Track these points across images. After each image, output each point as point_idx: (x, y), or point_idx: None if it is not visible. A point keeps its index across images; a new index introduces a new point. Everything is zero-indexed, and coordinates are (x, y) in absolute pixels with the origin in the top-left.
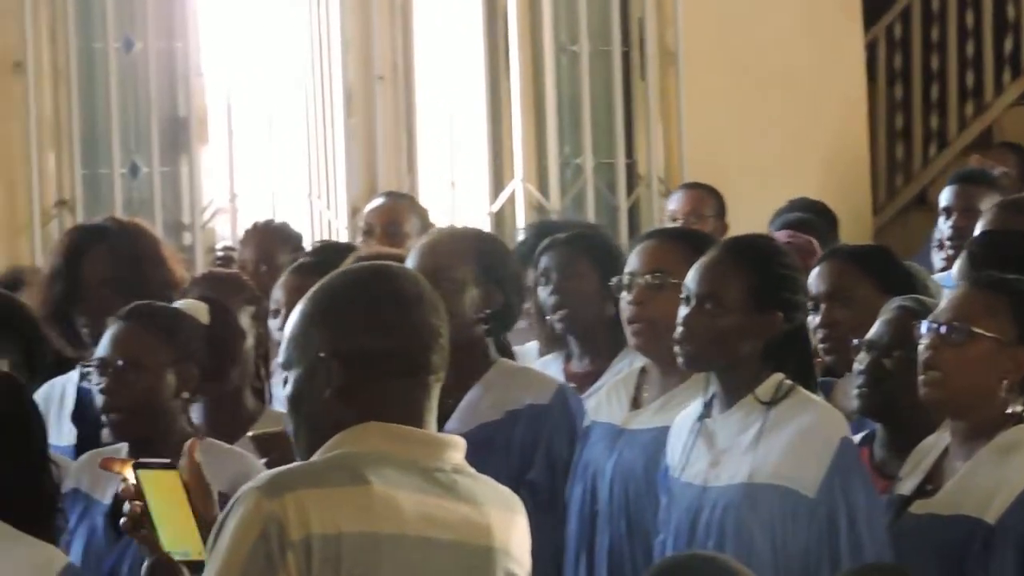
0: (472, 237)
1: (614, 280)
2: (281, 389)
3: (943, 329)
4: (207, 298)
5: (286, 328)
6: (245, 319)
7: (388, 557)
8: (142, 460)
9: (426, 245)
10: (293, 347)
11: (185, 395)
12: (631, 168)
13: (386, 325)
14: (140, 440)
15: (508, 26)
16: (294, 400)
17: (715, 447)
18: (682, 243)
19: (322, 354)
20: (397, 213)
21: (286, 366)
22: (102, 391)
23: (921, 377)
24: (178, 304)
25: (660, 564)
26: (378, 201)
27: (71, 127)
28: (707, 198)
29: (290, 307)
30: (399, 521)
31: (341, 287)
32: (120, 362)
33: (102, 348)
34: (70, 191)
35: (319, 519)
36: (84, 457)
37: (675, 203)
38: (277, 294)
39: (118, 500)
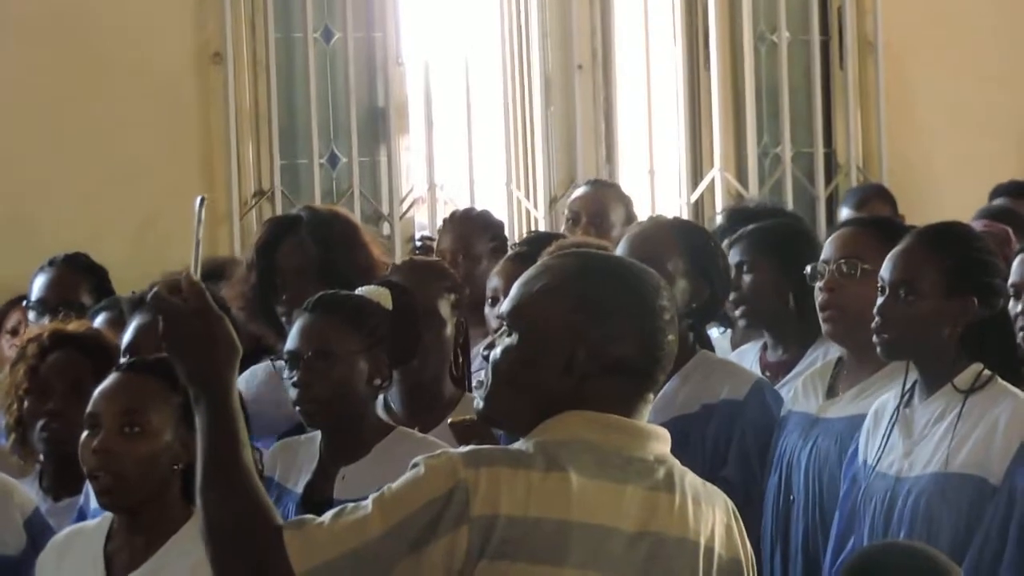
0: (683, 229)
1: (808, 268)
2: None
3: None
4: (390, 283)
5: (519, 288)
6: (445, 307)
7: (577, 545)
8: None
9: (637, 235)
10: (531, 316)
11: (377, 381)
12: (829, 157)
13: (644, 341)
14: (335, 428)
15: (707, 15)
16: (513, 368)
17: (911, 436)
18: (876, 231)
19: (574, 343)
20: (603, 202)
21: (512, 327)
22: (295, 384)
23: None
24: (361, 290)
25: (860, 554)
26: (583, 189)
27: (270, 118)
28: (880, 210)
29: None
30: (592, 510)
31: (609, 285)
32: (310, 353)
33: (291, 341)
34: (269, 181)
35: (510, 500)
36: (276, 446)
37: (846, 210)
38: (494, 282)
39: (308, 489)
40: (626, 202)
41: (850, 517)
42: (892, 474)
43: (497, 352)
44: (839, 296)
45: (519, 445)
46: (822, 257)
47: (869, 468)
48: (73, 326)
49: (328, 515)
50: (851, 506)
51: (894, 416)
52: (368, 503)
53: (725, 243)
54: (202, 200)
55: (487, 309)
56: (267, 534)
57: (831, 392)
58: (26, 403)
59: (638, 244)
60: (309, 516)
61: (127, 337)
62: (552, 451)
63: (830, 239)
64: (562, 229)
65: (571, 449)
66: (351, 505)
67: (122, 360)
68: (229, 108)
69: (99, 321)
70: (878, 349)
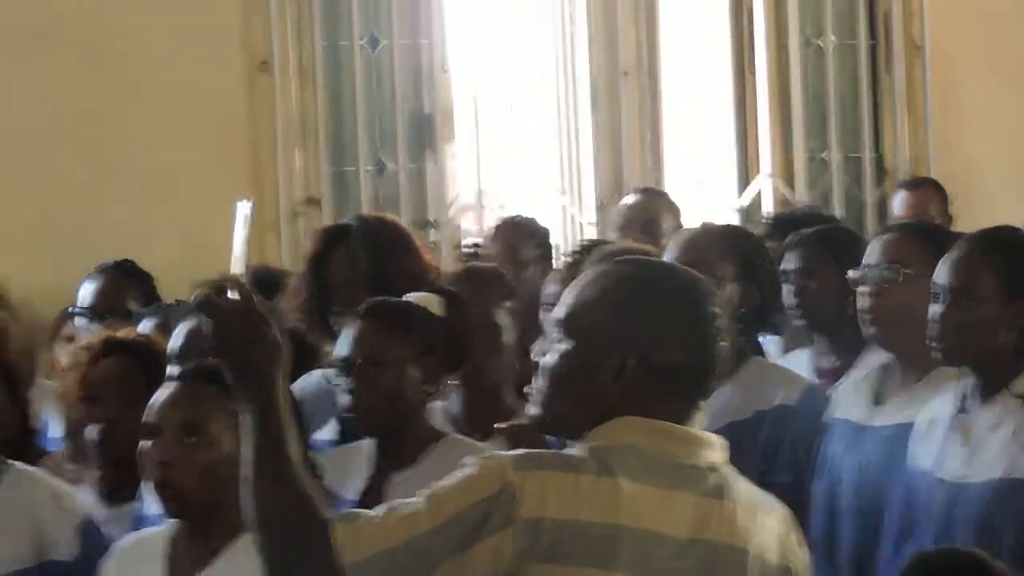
0: (733, 234)
1: (851, 273)
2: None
3: None
4: (440, 289)
5: (571, 295)
6: (503, 315)
7: (626, 549)
8: None
9: (687, 240)
10: (584, 323)
11: (428, 388)
12: (878, 162)
13: (695, 347)
14: (386, 435)
15: (754, 20)
16: (567, 374)
17: (969, 442)
18: (920, 237)
19: (625, 349)
20: (655, 210)
21: (565, 334)
22: (347, 391)
23: None
24: (410, 297)
25: (915, 560)
26: (635, 197)
27: (317, 125)
28: (932, 197)
29: None
30: (641, 515)
31: (660, 291)
32: (360, 360)
33: (343, 348)
34: (317, 189)
35: (558, 503)
36: (331, 453)
37: (899, 208)
38: (551, 287)
39: (361, 496)
40: (676, 212)
41: (904, 524)
42: (951, 480)
43: (550, 358)
44: (882, 301)
45: (571, 450)
46: (865, 261)
47: (926, 475)
48: (124, 333)
49: (379, 509)
50: (905, 513)
51: (950, 422)
52: (418, 500)
53: (784, 245)
54: (248, 202)
55: (542, 315)
56: (316, 525)
57: (877, 399)
58: (79, 410)
59: (687, 248)
60: (361, 510)
61: (177, 342)
62: (603, 456)
63: (873, 243)
64: (611, 236)
65: (622, 454)
66: (401, 501)
67: (170, 366)
68: (276, 116)
69: (144, 327)
70: (936, 356)
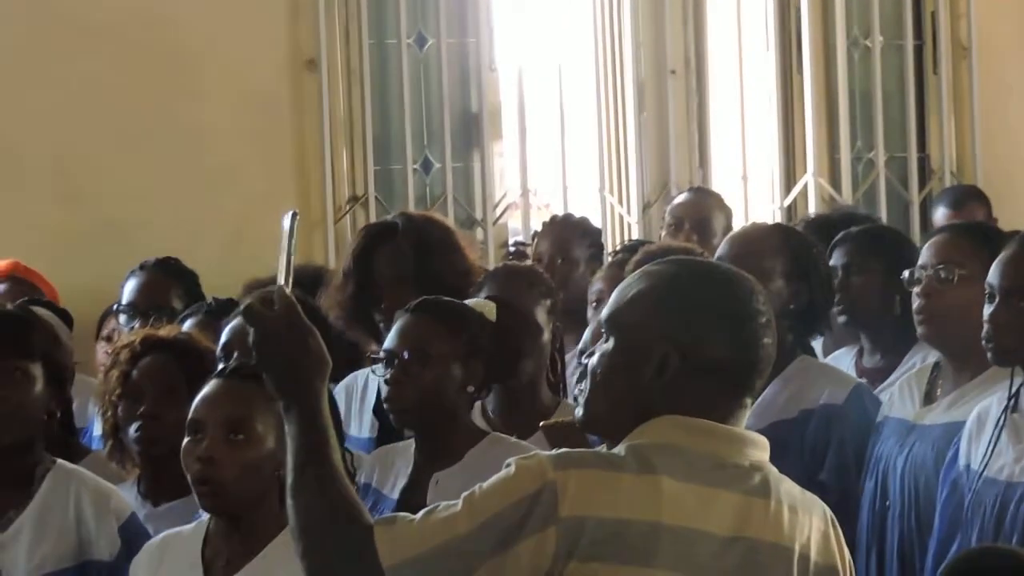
0: (784, 231)
1: (905, 274)
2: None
3: None
4: (496, 297)
5: (616, 295)
6: (541, 313)
7: (667, 547)
8: None
9: (738, 234)
10: (625, 321)
11: (470, 389)
12: (923, 162)
13: (738, 343)
14: (425, 432)
15: (800, 20)
16: (608, 372)
17: (1021, 441)
18: (973, 237)
19: (666, 345)
20: (706, 209)
21: (608, 333)
22: (388, 382)
23: None
24: (468, 302)
25: (961, 557)
26: (686, 196)
27: (364, 124)
28: (974, 215)
29: None
30: (682, 513)
31: (702, 287)
32: (406, 353)
33: (389, 340)
34: (363, 187)
35: (600, 502)
36: (376, 452)
37: (941, 217)
38: (597, 285)
39: (403, 495)
40: (727, 212)
41: (952, 522)
42: (1003, 479)
43: (595, 358)
44: (936, 302)
45: (613, 449)
46: (919, 262)
47: (975, 473)
48: (165, 331)
49: (420, 512)
50: (953, 511)
51: (1001, 421)
52: (458, 501)
53: (832, 243)
54: (294, 214)
55: (590, 313)
56: (358, 530)
57: (928, 398)
58: (120, 408)
59: (737, 242)
60: (402, 513)
61: (224, 338)
62: (644, 454)
63: (927, 245)
64: (661, 235)
65: (663, 453)
66: (443, 503)
67: (219, 361)
68: (323, 115)
69: (187, 326)
70: (989, 356)
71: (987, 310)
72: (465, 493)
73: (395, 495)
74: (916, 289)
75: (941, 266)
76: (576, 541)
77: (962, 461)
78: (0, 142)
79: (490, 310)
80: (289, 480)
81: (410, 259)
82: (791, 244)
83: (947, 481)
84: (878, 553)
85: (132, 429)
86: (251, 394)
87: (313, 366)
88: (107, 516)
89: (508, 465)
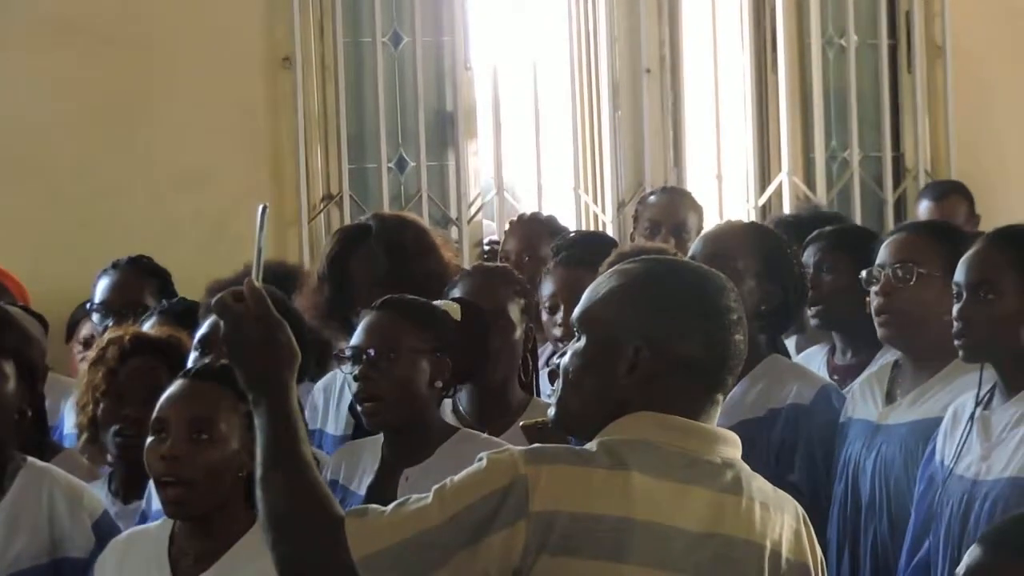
0: (757, 231)
1: (863, 273)
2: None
3: None
4: (461, 299)
5: (587, 294)
6: (515, 312)
7: (639, 543)
8: None
9: (710, 234)
10: (597, 319)
11: (439, 384)
12: (898, 161)
13: (709, 339)
14: (395, 429)
15: (775, 19)
16: (581, 370)
17: (990, 439)
18: (931, 235)
19: (637, 342)
20: (683, 211)
21: (580, 331)
22: (356, 378)
23: None
24: (434, 303)
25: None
26: (661, 197)
27: (338, 122)
28: (957, 207)
29: (566, 300)
30: (655, 509)
31: (673, 284)
32: (372, 350)
33: (356, 337)
34: (338, 186)
35: (571, 497)
36: (341, 449)
37: (925, 211)
38: (548, 288)
39: (370, 491)
40: (700, 211)
41: (927, 518)
42: (969, 477)
43: (567, 357)
44: (894, 300)
45: (585, 445)
46: (877, 261)
47: (946, 470)
48: (155, 331)
49: (391, 505)
50: (927, 507)
51: (972, 418)
52: (429, 494)
53: (804, 242)
54: (264, 208)
55: (544, 317)
56: (328, 522)
57: (889, 397)
58: (102, 405)
59: (710, 242)
60: (373, 506)
61: (201, 331)
62: (616, 450)
63: (885, 243)
64: (633, 236)
65: (635, 449)
66: (414, 496)
67: (193, 355)
68: (298, 112)
69: (145, 327)
70: (961, 354)
71: (955, 309)
72: (436, 486)
73: (362, 491)
74: (874, 288)
75: (899, 265)
76: (547, 535)
77: (937, 457)
78: None
79: (455, 310)
80: (259, 472)
81: (383, 261)
82: (764, 244)
83: (923, 477)
84: (851, 555)
85: (113, 430)
86: (216, 395)
87: (282, 359)
88: (80, 513)
89: (480, 459)
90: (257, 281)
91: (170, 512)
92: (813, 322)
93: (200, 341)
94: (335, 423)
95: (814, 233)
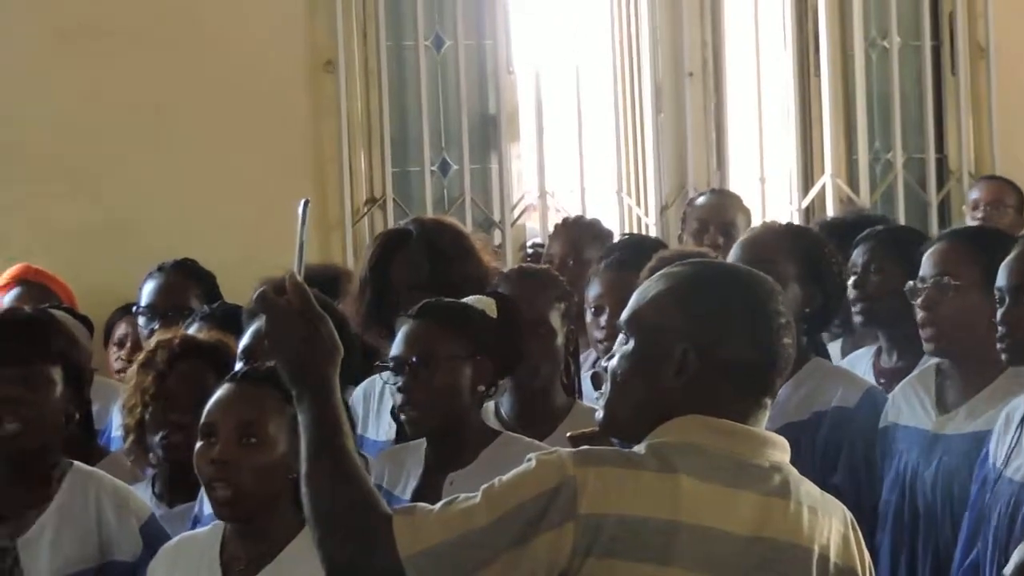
0: (797, 234)
1: (907, 286)
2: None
3: None
4: (495, 293)
5: (635, 296)
6: (556, 316)
7: (686, 546)
8: None
9: (749, 239)
10: (645, 322)
11: (481, 388)
12: (941, 163)
13: (757, 343)
14: (439, 435)
15: (817, 21)
16: (629, 372)
17: None
18: (969, 243)
19: (685, 346)
20: (731, 211)
21: (628, 333)
22: (400, 389)
23: None
24: (466, 300)
25: None
26: (709, 198)
27: (382, 125)
28: (1009, 190)
29: (612, 303)
30: (702, 512)
31: (721, 287)
32: (414, 359)
33: (396, 347)
34: (381, 189)
35: (619, 499)
36: (383, 454)
37: (977, 192)
38: (595, 290)
39: (415, 496)
40: (747, 213)
41: (979, 520)
42: (1018, 480)
43: (615, 360)
44: (936, 313)
45: (633, 448)
46: (920, 273)
47: (996, 472)
48: (203, 335)
49: (439, 504)
50: (981, 509)
51: (1022, 421)
52: (478, 494)
53: (854, 243)
54: (306, 203)
55: (588, 318)
56: (376, 519)
57: (940, 405)
58: (151, 409)
59: (749, 247)
60: (421, 504)
61: (244, 342)
62: (664, 453)
63: (926, 255)
64: (681, 236)
65: (683, 452)
66: (462, 495)
67: (238, 365)
68: (341, 116)
69: (193, 330)
70: (1004, 357)
71: (999, 313)
72: (484, 486)
73: (407, 496)
74: (917, 301)
75: (939, 276)
76: (595, 538)
77: (991, 460)
78: (17, 142)
79: (490, 306)
80: (304, 469)
81: (425, 266)
82: (803, 245)
83: (978, 478)
84: (908, 563)
85: (160, 435)
86: (263, 398)
87: (324, 352)
88: (128, 517)
89: (529, 460)
90: (299, 275)
91: (221, 514)
92: (857, 319)
93: (244, 352)
94: (376, 428)
95: (864, 232)
